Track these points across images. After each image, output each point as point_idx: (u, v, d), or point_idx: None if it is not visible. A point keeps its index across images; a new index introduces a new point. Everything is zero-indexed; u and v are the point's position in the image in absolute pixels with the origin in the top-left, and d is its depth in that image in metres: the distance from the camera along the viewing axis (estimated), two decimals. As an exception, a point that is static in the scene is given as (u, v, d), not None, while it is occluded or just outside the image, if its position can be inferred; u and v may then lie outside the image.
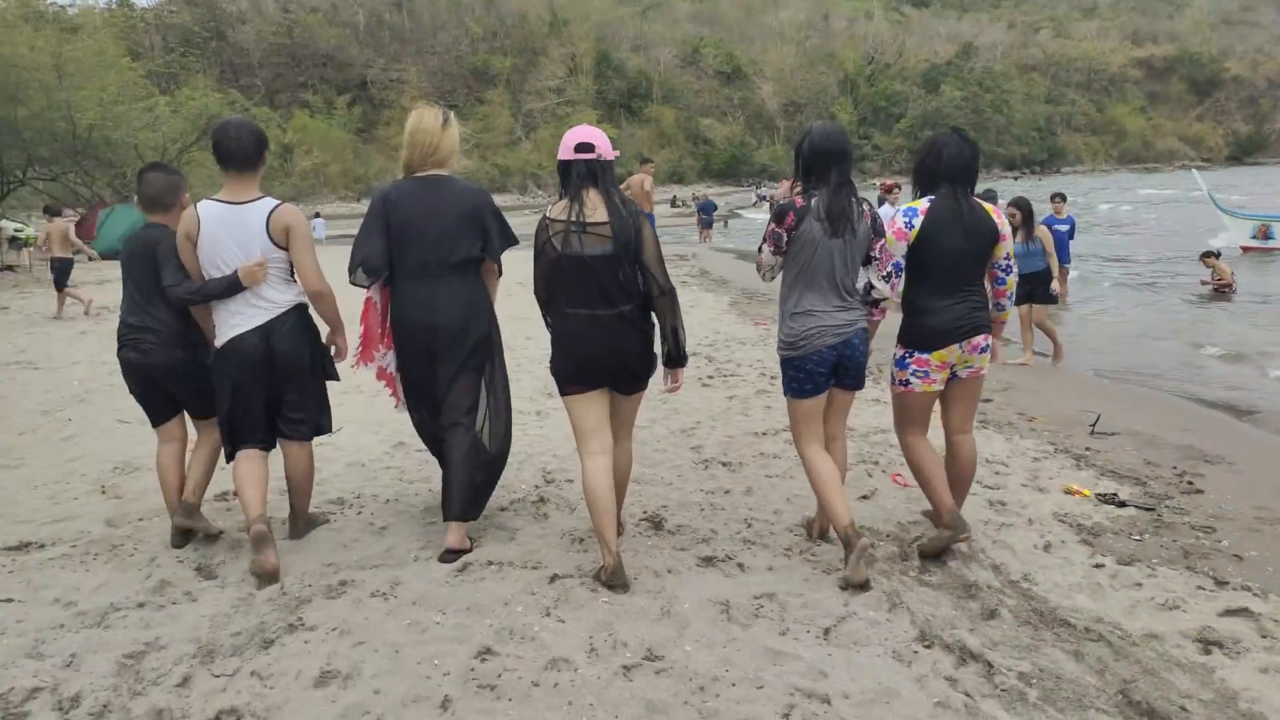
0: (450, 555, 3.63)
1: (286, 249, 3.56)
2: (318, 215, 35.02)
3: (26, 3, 30.94)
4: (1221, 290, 13.39)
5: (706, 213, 28.34)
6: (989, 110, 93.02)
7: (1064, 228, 12.55)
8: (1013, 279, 3.76)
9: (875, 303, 3.60)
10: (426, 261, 3.62)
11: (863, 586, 3.33)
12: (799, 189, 3.51)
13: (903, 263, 3.56)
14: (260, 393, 3.62)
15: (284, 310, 3.60)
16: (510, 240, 3.83)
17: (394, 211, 3.65)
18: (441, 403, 3.73)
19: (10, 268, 17.81)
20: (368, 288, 3.75)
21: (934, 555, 3.71)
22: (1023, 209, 8.89)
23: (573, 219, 3.20)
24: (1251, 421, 6.83)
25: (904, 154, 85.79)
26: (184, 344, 3.71)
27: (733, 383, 6.97)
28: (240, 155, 3.51)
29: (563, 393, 3.44)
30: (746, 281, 14.18)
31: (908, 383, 3.69)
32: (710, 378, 7.14)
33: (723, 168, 76.50)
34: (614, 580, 3.29)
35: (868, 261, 3.50)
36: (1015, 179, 75.57)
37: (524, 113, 75.77)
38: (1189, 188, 25.42)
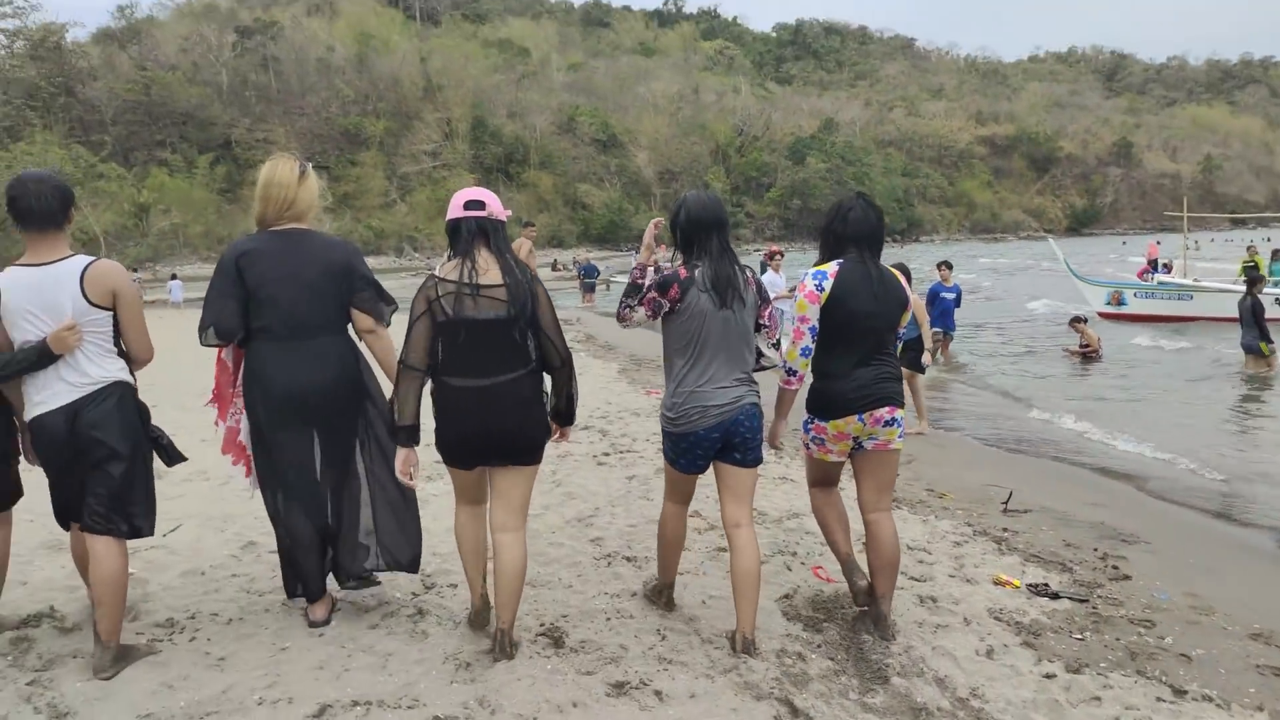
0: (318, 625, 3.53)
1: (110, 309, 3.18)
2: (174, 277, 32.89)
3: None
4: (1089, 355, 13.83)
5: (589, 276, 28.13)
6: (852, 181, 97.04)
7: (950, 295, 12.77)
8: (898, 346, 3.81)
9: (763, 369, 3.48)
10: (294, 320, 3.33)
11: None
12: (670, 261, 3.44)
13: (817, 326, 3.41)
14: (75, 479, 3.19)
15: (99, 387, 3.15)
16: (389, 301, 3.54)
17: (249, 269, 3.33)
18: (310, 475, 3.43)
19: None
20: (220, 346, 3.47)
21: (863, 603, 3.64)
22: (903, 273, 8.81)
23: (465, 280, 3.02)
24: (1149, 492, 6.73)
25: (776, 221, 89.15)
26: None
27: (630, 460, 6.41)
28: (42, 213, 3.10)
29: (445, 462, 3.28)
30: (633, 347, 13.79)
31: (809, 446, 3.66)
32: (606, 454, 6.55)
33: (601, 232, 77.15)
34: (476, 622, 3.38)
35: (757, 329, 3.39)
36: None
37: (399, 175, 74.57)
38: (1033, 256, 26.94)
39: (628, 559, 4.39)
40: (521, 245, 12.64)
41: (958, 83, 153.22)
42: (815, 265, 3.53)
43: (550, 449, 3.46)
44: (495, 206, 3.14)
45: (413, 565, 3.69)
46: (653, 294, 3.30)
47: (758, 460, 3.40)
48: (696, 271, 3.27)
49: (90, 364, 3.15)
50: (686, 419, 3.26)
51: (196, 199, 60.74)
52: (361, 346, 3.54)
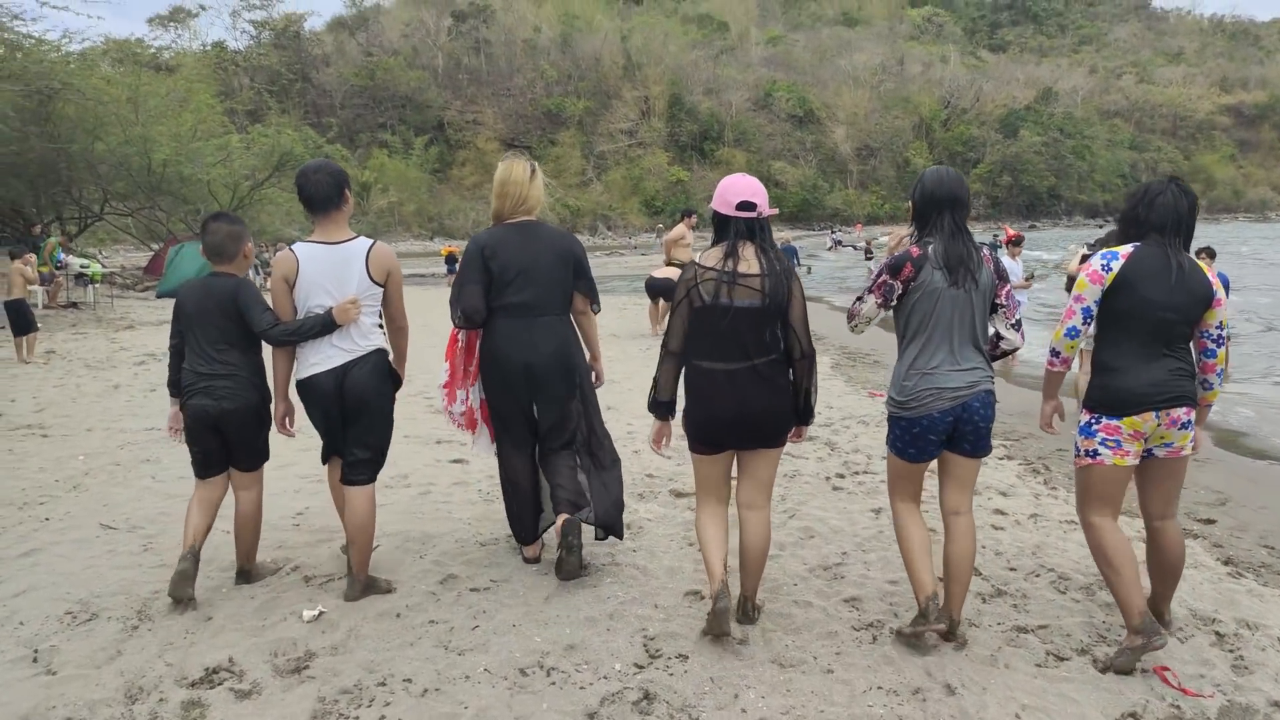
0: (570, 527, 3.75)
1: (382, 286, 3.67)
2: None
3: (123, 45, 31.76)
4: None
5: (789, 258, 27.11)
6: (1070, 156, 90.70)
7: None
8: (1224, 352, 3.23)
9: (1005, 354, 3.34)
10: (527, 302, 3.76)
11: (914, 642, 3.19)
12: (911, 239, 3.31)
13: (1093, 309, 3.16)
14: (335, 429, 3.68)
15: (365, 353, 3.63)
16: (597, 302, 4.04)
17: (492, 258, 3.78)
18: (541, 434, 3.91)
19: (75, 304, 17.51)
20: (469, 329, 3.89)
21: (1126, 671, 3.09)
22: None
23: (725, 269, 3.12)
24: None
25: (982, 199, 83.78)
26: (257, 389, 3.74)
27: (869, 485, 5.43)
28: (321, 198, 3.58)
29: (692, 449, 3.34)
30: (843, 337, 12.76)
31: (1095, 453, 3.18)
32: (840, 476, 5.67)
33: (794, 211, 75.48)
34: (715, 626, 3.21)
35: (994, 310, 3.25)
36: (1099, 226, 72.61)
37: (595, 154, 76.03)
38: None
39: (896, 631, 3.37)
40: (680, 234, 12.14)
41: (1200, 45, 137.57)
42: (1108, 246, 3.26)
43: (779, 467, 3.46)
44: (764, 206, 3.18)
45: (616, 530, 3.97)
46: (884, 278, 3.21)
47: (987, 450, 3.28)
48: (929, 249, 3.17)
49: (360, 333, 3.63)
50: (919, 401, 3.15)
51: (412, 178, 64.62)
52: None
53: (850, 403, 8.28)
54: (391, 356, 3.83)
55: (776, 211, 3.31)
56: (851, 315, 3.33)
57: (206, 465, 3.77)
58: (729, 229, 3.17)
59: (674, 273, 11.58)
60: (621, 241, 62.64)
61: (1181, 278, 3.08)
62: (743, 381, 3.15)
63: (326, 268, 3.57)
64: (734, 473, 3.43)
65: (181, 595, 3.54)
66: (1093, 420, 3.18)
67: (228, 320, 3.65)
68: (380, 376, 3.68)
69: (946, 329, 3.14)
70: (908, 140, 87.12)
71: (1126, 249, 3.16)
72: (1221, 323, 3.17)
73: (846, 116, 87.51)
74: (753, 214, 3.15)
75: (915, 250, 3.18)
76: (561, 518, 3.77)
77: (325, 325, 3.55)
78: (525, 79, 79.68)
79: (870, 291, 3.25)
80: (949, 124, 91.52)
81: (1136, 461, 3.17)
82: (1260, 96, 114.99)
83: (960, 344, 3.15)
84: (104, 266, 20.66)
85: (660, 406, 3.34)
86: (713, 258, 3.17)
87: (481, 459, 5.05)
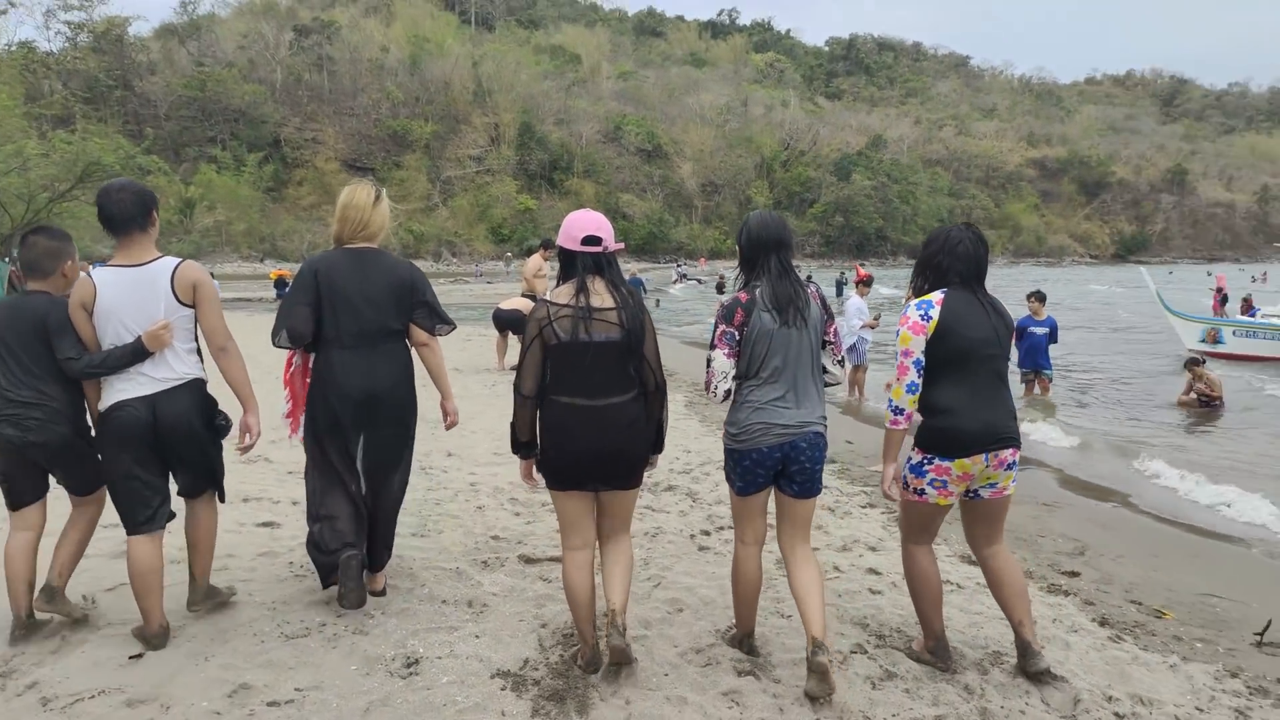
0: (378, 594, 3.87)
1: (192, 307, 3.43)
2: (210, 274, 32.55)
3: None
4: (1210, 404, 12.07)
5: (636, 289, 27.04)
6: (896, 200, 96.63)
7: (1042, 330, 11.38)
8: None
9: (828, 386, 3.37)
10: (364, 330, 3.68)
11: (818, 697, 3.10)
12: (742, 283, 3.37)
13: (922, 360, 3.22)
14: (147, 464, 3.38)
15: (179, 384, 3.40)
16: (446, 321, 3.93)
17: (324, 282, 3.67)
18: (366, 466, 3.77)
19: None
20: (290, 349, 3.79)
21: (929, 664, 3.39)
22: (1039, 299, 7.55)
23: (580, 304, 3.09)
24: None
25: (817, 238, 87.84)
26: (71, 419, 3.46)
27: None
28: (124, 218, 3.35)
29: (550, 488, 3.26)
30: (694, 373, 12.47)
31: (922, 492, 3.30)
32: (705, 534, 5.13)
33: (641, 243, 76.54)
34: (591, 666, 3.26)
35: (822, 347, 3.30)
36: (841, 271, 77.15)
37: (442, 179, 74.53)
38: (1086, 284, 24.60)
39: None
40: (538, 265, 11.63)
41: (1011, 103, 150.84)
42: (916, 297, 3.34)
43: (637, 523, 3.39)
44: (610, 241, 3.19)
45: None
46: (721, 328, 3.23)
47: (817, 491, 3.33)
48: (756, 292, 3.22)
49: (175, 359, 3.40)
50: (749, 435, 3.19)
51: (243, 196, 61.00)
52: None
53: (708, 445, 7.88)
54: (228, 380, 3.57)
55: (623, 246, 3.31)
56: (709, 381, 3.26)
57: (13, 498, 3.50)
58: (576, 264, 3.16)
59: (523, 304, 10.98)
60: (467, 269, 61.21)
61: (994, 315, 3.25)
62: (603, 418, 3.13)
63: (128, 292, 3.34)
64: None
65: (20, 639, 3.42)
66: (925, 460, 3.26)
67: (41, 345, 3.38)
68: (200, 407, 3.46)
69: (780, 368, 3.19)
70: (750, 179, 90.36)
71: (938, 296, 3.24)
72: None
73: (693, 153, 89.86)
74: (599, 249, 3.15)
75: (744, 295, 3.23)
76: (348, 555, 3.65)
77: (135, 354, 3.30)
78: (370, 99, 77.33)
79: (714, 347, 3.25)
80: (788, 165, 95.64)
81: (955, 501, 3.31)
82: (1061, 152, 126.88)
83: (797, 382, 3.21)
84: None
85: (522, 447, 3.30)
86: (564, 294, 3.12)
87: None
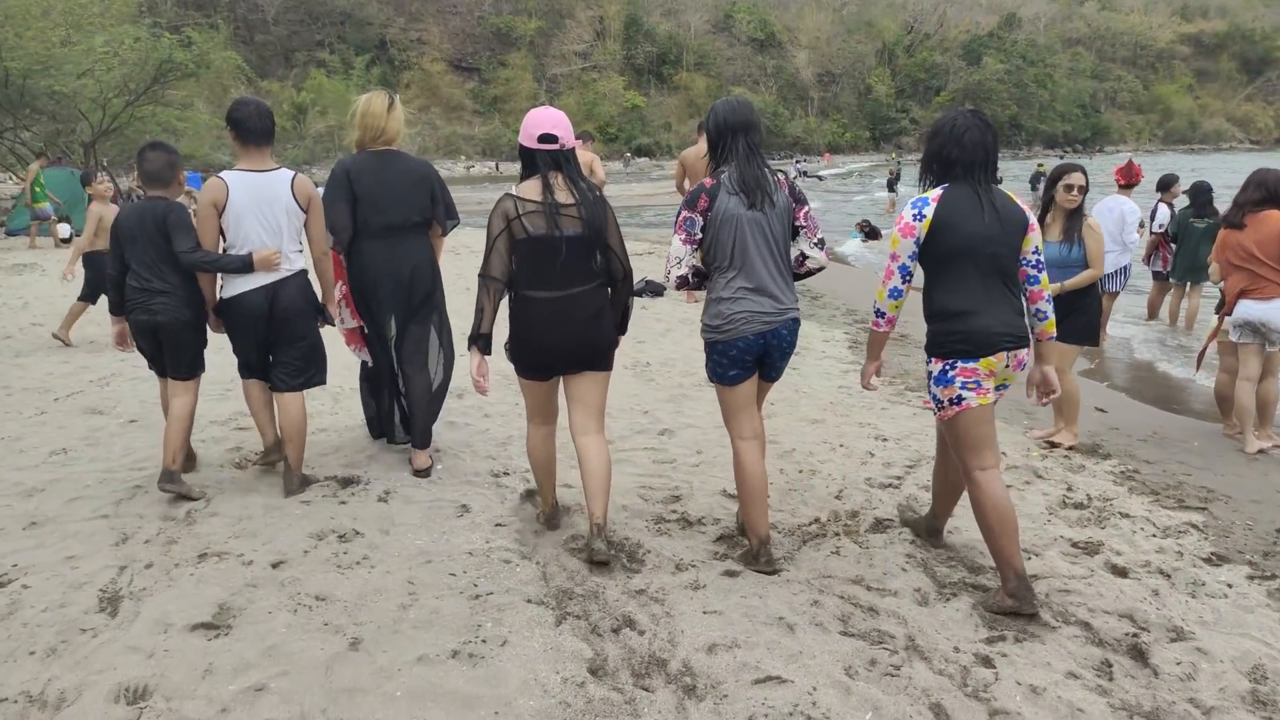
0: (422, 473, 4.17)
1: (305, 213, 3.96)
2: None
3: None
4: None
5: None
6: (1032, 85, 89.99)
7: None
8: (1045, 278, 3.19)
9: (810, 273, 3.38)
10: (391, 223, 4.10)
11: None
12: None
13: (909, 265, 3.08)
14: (260, 344, 4.00)
15: (290, 274, 3.93)
16: (454, 218, 4.36)
17: (356, 182, 4.08)
18: (399, 346, 4.22)
19: None
20: (334, 249, 4.15)
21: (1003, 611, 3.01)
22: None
23: (548, 200, 3.19)
24: None
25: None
26: (191, 305, 3.96)
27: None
28: (260, 131, 3.87)
29: (521, 375, 3.42)
30: (853, 297, 10.48)
31: (959, 399, 3.06)
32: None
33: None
34: (551, 523, 3.60)
35: (796, 233, 3.30)
36: (1060, 157, 72.39)
37: (548, 77, 73.24)
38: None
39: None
40: (591, 161, 10.36)
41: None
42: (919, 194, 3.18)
43: None
44: (566, 137, 3.27)
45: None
46: (683, 214, 3.22)
47: (777, 377, 3.41)
48: (723, 176, 3.21)
49: (286, 257, 3.90)
50: (733, 325, 3.19)
51: (352, 101, 61.21)
52: None
53: (907, 426, 5.36)
54: (317, 283, 4.10)
55: (581, 143, 3.24)
56: (666, 265, 3.28)
57: (161, 369, 4.14)
58: (536, 162, 3.25)
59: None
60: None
61: (995, 210, 3.03)
62: (573, 307, 3.25)
63: (255, 193, 3.83)
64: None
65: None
66: (947, 367, 3.06)
67: (164, 241, 3.86)
68: (304, 293, 3.99)
69: (753, 254, 3.19)
70: (870, 66, 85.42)
71: (935, 193, 3.08)
72: (1037, 248, 3.12)
73: (809, 40, 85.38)
74: (555, 145, 3.23)
75: (709, 181, 3.22)
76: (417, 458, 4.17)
77: (244, 265, 3.81)
78: (473, -5, 76.14)
79: (675, 232, 3.24)
80: (912, 49, 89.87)
81: (994, 398, 3.09)
82: (1220, 25, 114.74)
83: (766, 268, 3.20)
84: None
85: (483, 340, 3.31)
86: (530, 190, 3.22)
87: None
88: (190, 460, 4.18)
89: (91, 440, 4.57)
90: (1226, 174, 43.05)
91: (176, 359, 3.96)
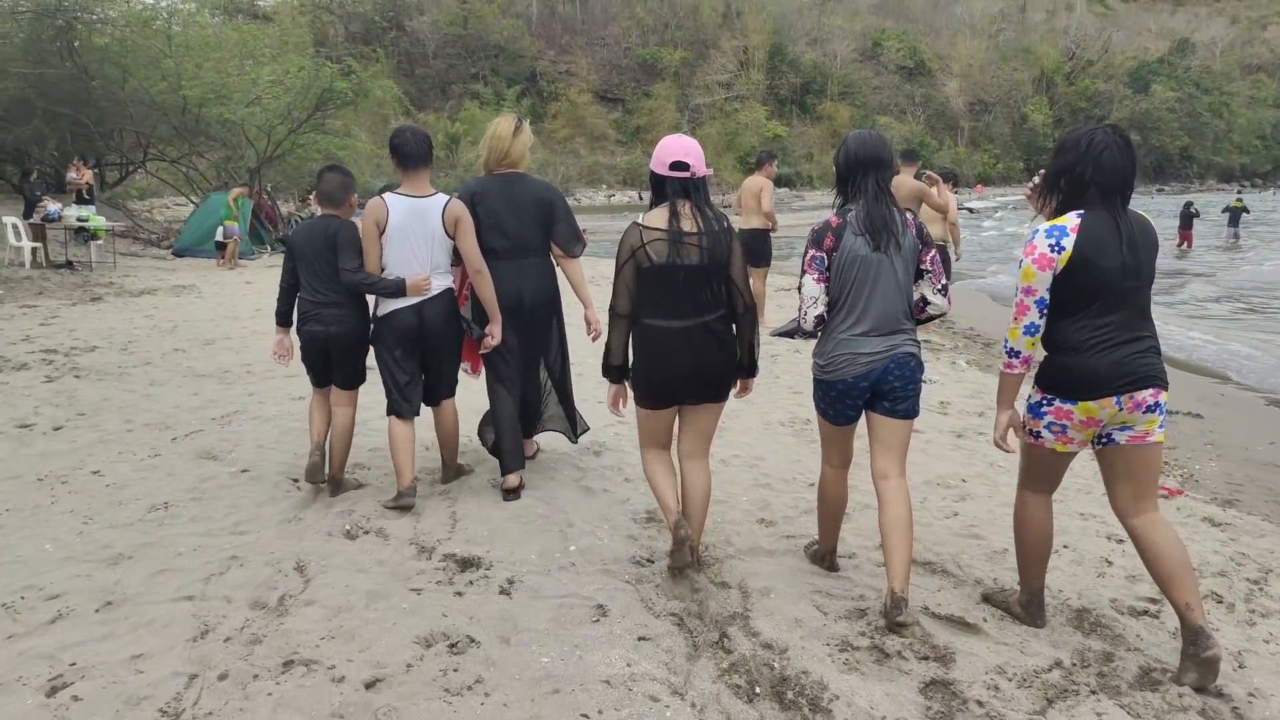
0: (512, 494, 4.20)
1: (453, 238, 4.07)
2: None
3: None
4: None
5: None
6: (1206, 114, 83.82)
7: None
8: None
9: (931, 318, 3.29)
10: (512, 244, 4.20)
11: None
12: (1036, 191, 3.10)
13: (1047, 298, 2.82)
14: (414, 360, 4.15)
15: (437, 293, 4.09)
16: (580, 240, 4.39)
17: (480, 203, 4.19)
18: (522, 362, 4.32)
19: (70, 264, 14.69)
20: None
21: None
22: None
23: (672, 229, 3.16)
24: None
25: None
26: (361, 317, 4.20)
27: None
28: (418, 156, 4.04)
29: (639, 404, 3.39)
30: (999, 333, 10.37)
31: (1038, 434, 2.95)
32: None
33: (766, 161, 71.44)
34: (678, 559, 3.28)
35: (920, 275, 3.18)
36: (1238, 191, 66.84)
37: (690, 107, 73.47)
38: None
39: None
40: (761, 188, 9.28)
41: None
42: (1048, 220, 2.88)
43: None
44: (698, 165, 3.23)
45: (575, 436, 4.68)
46: (810, 252, 3.17)
47: (910, 412, 3.21)
48: (849, 215, 3.13)
49: (435, 277, 4.08)
50: (835, 366, 3.16)
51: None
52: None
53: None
54: (479, 297, 4.15)
55: (711, 172, 3.32)
56: (800, 306, 3.23)
57: (320, 378, 4.33)
58: (665, 189, 3.23)
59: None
60: (715, 199, 60.15)
61: (1135, 242, 2.78)
62: (693, 338, 3.21)
63: (412, 217, 4.00)
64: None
65: (315, 480, 4.17)
66: (1044, 401, 2.92)
67: (334, 256, 4.08)
68: (450, 311, 4.13)
69: (869, 295, 3.10)
70: (1026, 94, 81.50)
71: (1073, 221, 2.80)
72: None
73: (961, 69, 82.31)
74: (686, 174, 3.20)
75: (834, 220, 3.17)
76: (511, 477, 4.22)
77: (397, 290, 3.98)
78: (620, 27, 77.37)
79: (804, 273, 3.19)
80: (1073, 77, 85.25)
81: (1081, 449, 2.97)
82: None
83: (881, 310, 3.10)
84: (108, 221, 16.38)
85: (614, 370, 3.39)
86: (657, 218, 3.21)
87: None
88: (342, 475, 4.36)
89: (197, 494, 4.17)
90: None
91: (344, 370, 4.21)
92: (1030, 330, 2.85)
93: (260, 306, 10.69)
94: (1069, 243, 2.75)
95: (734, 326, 3.31)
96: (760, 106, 74.12)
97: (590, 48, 75.59)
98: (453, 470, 4.43)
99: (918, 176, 8.53)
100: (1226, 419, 6.59)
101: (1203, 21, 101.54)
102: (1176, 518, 4.36)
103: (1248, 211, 27.49)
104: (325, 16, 65.60)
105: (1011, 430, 3.03)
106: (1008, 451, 3.08)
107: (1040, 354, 2.92)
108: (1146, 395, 2.79)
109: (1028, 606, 3.09)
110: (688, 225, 3.15)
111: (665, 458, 3.44)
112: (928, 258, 3.16)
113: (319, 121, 22.94)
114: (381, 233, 3.97)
